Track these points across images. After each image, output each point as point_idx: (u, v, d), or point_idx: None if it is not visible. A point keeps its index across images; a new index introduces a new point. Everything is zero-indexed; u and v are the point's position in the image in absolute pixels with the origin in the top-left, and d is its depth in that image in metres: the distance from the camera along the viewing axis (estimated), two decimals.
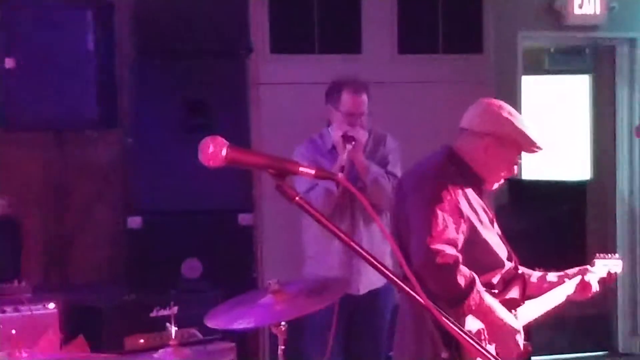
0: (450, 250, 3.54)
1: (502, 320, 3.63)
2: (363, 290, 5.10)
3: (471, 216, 3.68)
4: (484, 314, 3.59)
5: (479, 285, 3.56)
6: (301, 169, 2.15)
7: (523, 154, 3.83)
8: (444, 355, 3.50)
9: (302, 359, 5.06)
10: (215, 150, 2.05)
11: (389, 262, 4.82)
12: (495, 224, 3.86)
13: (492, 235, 3.77)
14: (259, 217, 6.20)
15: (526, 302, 3.84)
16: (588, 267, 4.15)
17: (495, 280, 3.75)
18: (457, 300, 3.52)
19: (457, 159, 3.79)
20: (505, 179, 3.90)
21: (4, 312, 4.85)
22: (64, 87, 5.63)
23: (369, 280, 5.07)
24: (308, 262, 5.25)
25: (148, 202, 5.82)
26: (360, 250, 2.17)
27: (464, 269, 3.54)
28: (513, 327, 3.65)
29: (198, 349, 4.51)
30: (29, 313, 4.85)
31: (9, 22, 5.65)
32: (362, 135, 5.06)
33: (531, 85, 7.86)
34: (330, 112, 5.17)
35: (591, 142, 8.66)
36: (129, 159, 6.14)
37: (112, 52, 5.99)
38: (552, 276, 4.07)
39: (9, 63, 5.54)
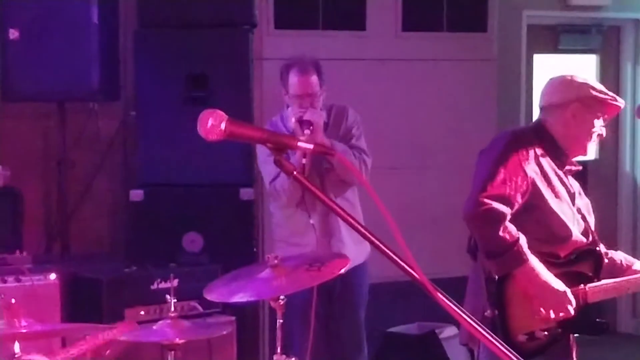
0: (499, 205, 3.63)
1: (546, 282, 3.67)
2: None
3: (539, 181, 3.76)
4: (527, 275, 3.65)
5: (523, 246, 3.62)
6: (299, 143, 2.13)
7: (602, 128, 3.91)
8: (487, 313, 3.66)
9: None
10: (214, 124, 2.01)
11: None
12: (580, 201, 3.94)
13: (565, 208, 3.84)
14: (260, 192, 6.19)
15: (603, 280, 3.87)
16: None
17: (562, 252, 3.82)
18: (496, 254, 3.63)
19: (542, 131, 3.89)
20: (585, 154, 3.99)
21: (5, 281, 4.79)
22: (67, 58, 5.60)
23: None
24: (279, 246, 5.07)
25: (149, 175, 5.80)
26: (360, 227, 2.13)
27: (510, 226, 3.62)
28: (557, 288, 3.69)
29: (198, 322, 4.53)
30: (30, 283, 4.83)
31: None
32: (318, 117, 4.84)
33: (543, 62, 7.87)
34: (284, 96, 5.02)
35: None
36: (130, 131, 6.12)
37: (116, 24, 5.97)
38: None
39: (13, 34, 5.52)
